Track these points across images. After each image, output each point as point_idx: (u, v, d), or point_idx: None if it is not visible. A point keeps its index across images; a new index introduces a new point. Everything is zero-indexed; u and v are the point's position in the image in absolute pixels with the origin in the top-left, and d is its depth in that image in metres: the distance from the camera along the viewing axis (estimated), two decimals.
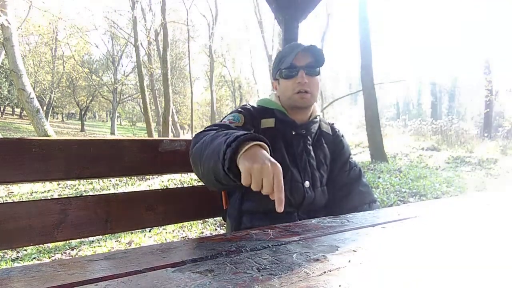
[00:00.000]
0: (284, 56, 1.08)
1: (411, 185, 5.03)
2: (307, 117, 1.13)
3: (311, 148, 1.13)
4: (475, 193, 1.22)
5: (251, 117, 1.07)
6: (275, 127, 1.09)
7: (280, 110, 1.11)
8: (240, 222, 1.09)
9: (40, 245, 2.75)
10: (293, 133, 1.10)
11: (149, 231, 3.18)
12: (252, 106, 1.14)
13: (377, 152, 7.35)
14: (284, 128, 1.10)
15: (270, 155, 0.70)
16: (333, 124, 1.26)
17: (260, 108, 1.14)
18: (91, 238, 2.91)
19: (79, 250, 2.76)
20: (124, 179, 5.51)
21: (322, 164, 1.14)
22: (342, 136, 1.24)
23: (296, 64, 1.05)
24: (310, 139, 1.13)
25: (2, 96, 19.32)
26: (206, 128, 0.97)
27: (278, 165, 0.65)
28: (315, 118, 1.15)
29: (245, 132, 0.74)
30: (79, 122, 23.37)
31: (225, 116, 1.08)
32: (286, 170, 1.05)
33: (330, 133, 1.21)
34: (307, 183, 1.08)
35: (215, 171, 0.74)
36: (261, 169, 0.64)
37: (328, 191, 1.16)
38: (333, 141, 1.20)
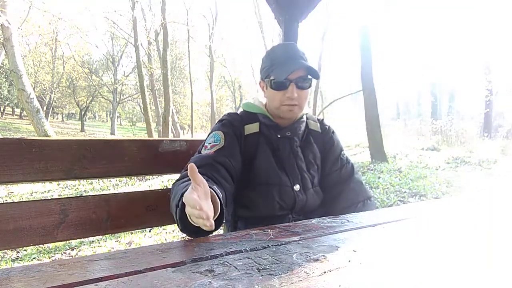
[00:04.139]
0: (276, 64, 1.02)
1: (411, 185, 5.03)
2: (292, 119, 1.10)
3: (298, 149, 1.10)
4: (475, 193, 1.22)
5: (233, 128, 1.04)
6: (260, 131, 1.07)
7: (263, 114, 1.09)
8: (235, 226, 1.08)
9: (40, 245, 2.75)
10: (278, 136, 1.07)
11: (149, 231, 3.18)
12: (233, 114, 1.11)
13: (377, 152, 7.35)
14: (269, 132, 1.07)
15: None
16: (322, 120, 1.21)
17: (244, 113, 1.11)
18: (91, 238, 2.91)
19: (79, 250, 2.76)
20: (124, 179, 5.50)
21: (312, 164, 1.11)
22: (333, 132, 1.19)
23: (287, 77, 0.99)
24: (297, 140, 1.10)
25: (2, 96, 19.32)
26: (184, 169, 0.96)
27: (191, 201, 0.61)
28: (301, 118, 1.12)
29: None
30: (79, 122, 23.37)
31: (208, 136, 1.06)
32: (274, 174, 1.03)
33: (319, 130, 1.16)
34: (297, 187, 1.05)
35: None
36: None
37: (322, 190, 1.13)
38: (322, 139, 1.16)
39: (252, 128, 1.07)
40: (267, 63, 1.06)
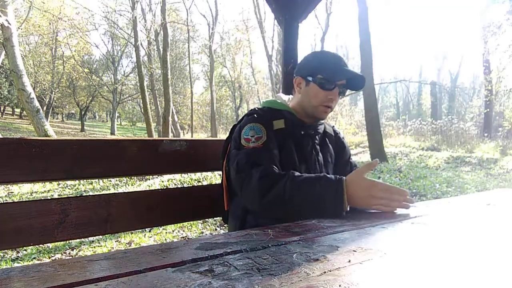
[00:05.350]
0: (328, 66, 1.07)
1: (411, 185, 5.03)
2: (318, 120, 1.17)
3: (318, 147, 1.18)
4: (475, 193, 1.22)
5: (266, 122, 1.08)
6: (285, 128, 1.12)
7: (288, 111, 1.14)
8: (245, 220, 1.09)
9: (40, 245, 2.75)
10: (302, 132, 1.13)
11: (149, 231, 3.18)
12: (260, 109, 1.15)
13: (377, 152, 7.36)
14: (294, 128, 1.12)
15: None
16: (333, 126, 1.32)
17: (268, 110, 1.15)
18: (91, 238, 2.91)
19: (79, 250, 2.76)
20: (124, 179, 5.51)
21: (329, 162, 1.19)
22: (343, 138, 1.30)
23: (336, 81, 1.07)
24: (317, 139, 1.18)
25: (2, 96, 19.32)
26: (261, 161, 0.98)
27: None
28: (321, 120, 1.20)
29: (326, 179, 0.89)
30: (79, 122, 23.38)
31: (243, 129, 1.06)
32: (295, 168, 1.08)
33: (333, 134, 1.27)
34: None
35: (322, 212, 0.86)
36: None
37: None
38: (335, 142, 1.26)
39: (279, 124, 1.11)
40: (315, 62, 1.11)
